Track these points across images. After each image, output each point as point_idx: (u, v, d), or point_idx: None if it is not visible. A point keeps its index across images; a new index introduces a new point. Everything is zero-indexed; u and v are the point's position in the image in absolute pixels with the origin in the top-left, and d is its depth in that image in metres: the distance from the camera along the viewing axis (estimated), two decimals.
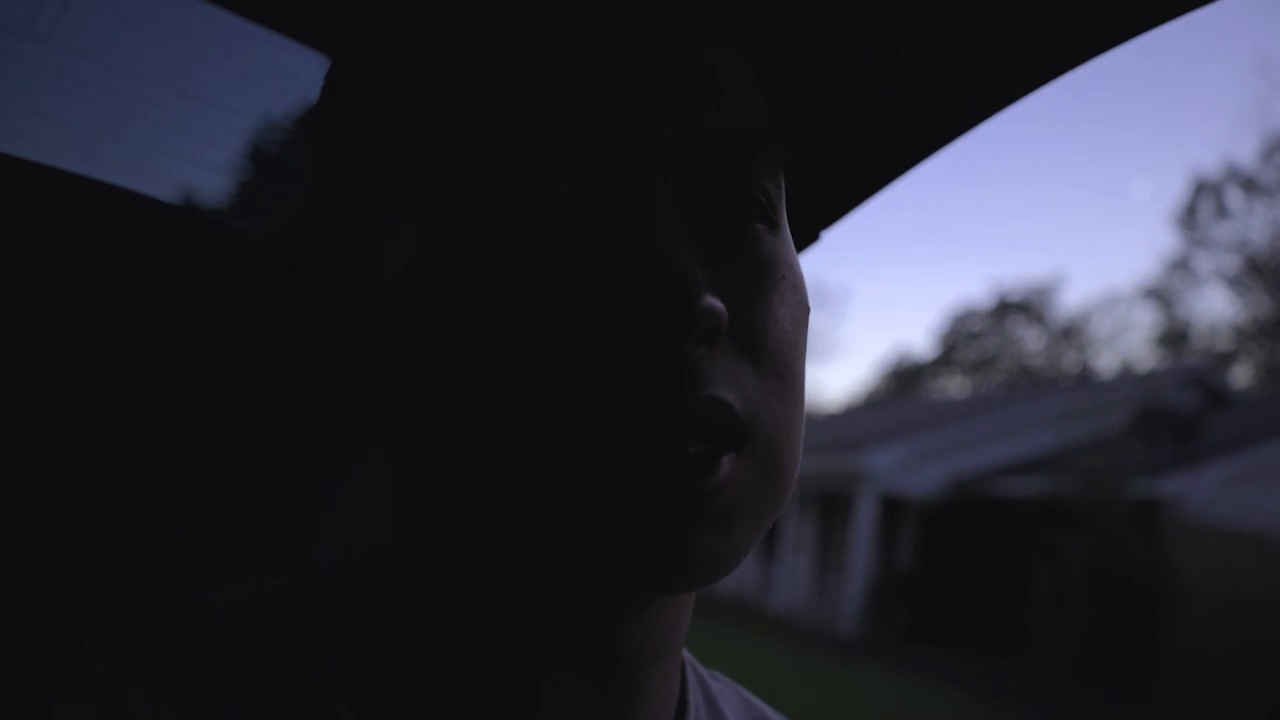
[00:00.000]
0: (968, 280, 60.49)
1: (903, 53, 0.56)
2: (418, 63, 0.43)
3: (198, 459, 0.53)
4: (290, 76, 0.58)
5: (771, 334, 0.41)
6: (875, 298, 61.70)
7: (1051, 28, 0.56)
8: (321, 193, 0.46)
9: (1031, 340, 38.65)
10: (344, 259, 0.44)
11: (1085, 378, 28.09)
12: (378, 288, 0.42)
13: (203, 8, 0.56)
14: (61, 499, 0.51)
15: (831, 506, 17.19)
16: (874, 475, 15.33)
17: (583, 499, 0.37)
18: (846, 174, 0.69)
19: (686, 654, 0.51)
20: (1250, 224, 29.59)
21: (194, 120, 0.62)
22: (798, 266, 0.45)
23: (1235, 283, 30.38)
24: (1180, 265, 31.81)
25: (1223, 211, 30.00)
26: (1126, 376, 21.85)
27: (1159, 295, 32.88)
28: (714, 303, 0.37)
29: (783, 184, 0.45)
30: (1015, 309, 38.56)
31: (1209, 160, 53.56)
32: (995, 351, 39.26)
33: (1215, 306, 48.45)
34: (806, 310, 0.45)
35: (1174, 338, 32.69)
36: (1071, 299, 54.67)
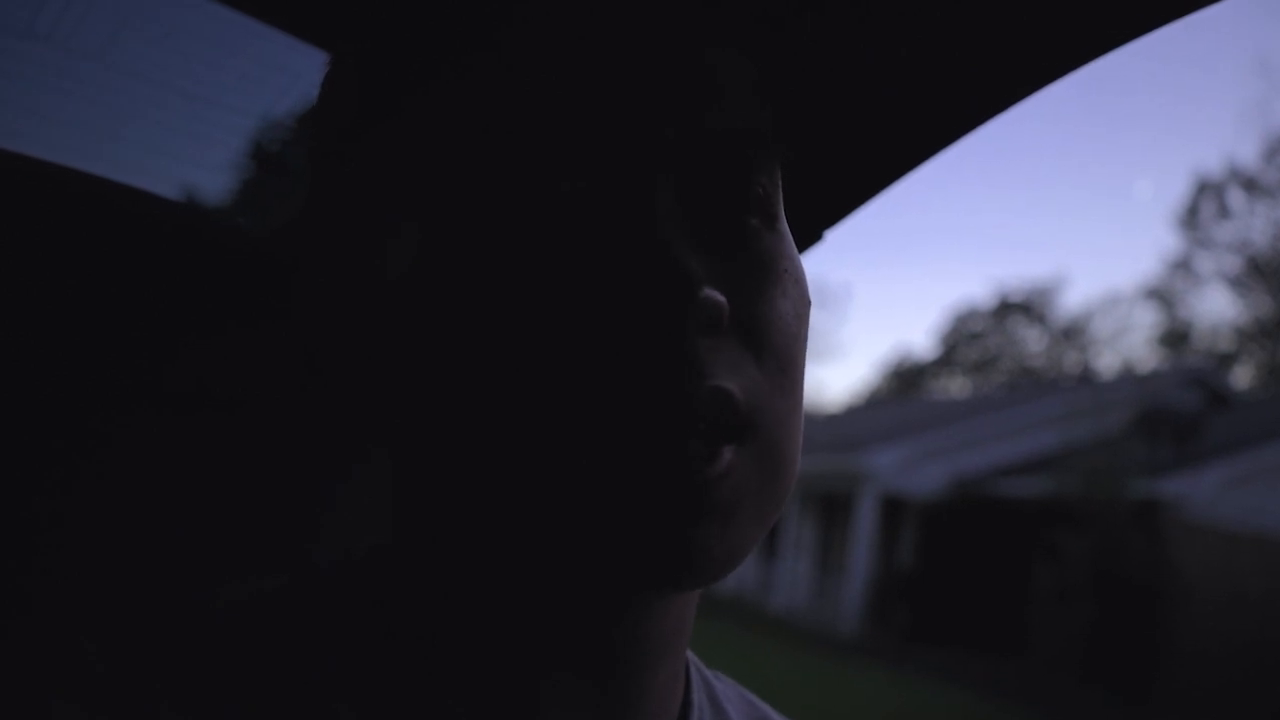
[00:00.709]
0: (969, 280, 60.50)
1: (904, 53, 0.56)
2: (419, 62, 0.43)
3: (199, 459, 0.53)
4: (292, 75, 0.58)
5: (773, 327, 0.41)
6: (876, 297, 61.72)
7: (1052, 29, 0.56)
8: (324, 192, 0.46)
9: (1033, 340, 38.68)
10: (346, 258, 0.44)
11: (1086, 378, 28.08)
12: (380, 287, 0.42)
13: (203, 6, 0.55)
14: (62, 499, 0.51)
15: (832, 506, 17.19)
16: (875, 475, 15.33)
17: (585, 496, 0.37)
18: (850, 173, 0.69)
19: (691, 655, 0.51)
20: (1252, 224, 29.59)
21: (195, 120, 0.62)
22: (798, 261, 0.45)
23: (1237, 283, 30.37)
24: (1182, 265, 31.81)
25: (1224, 212, 29.98)
26: (1128, 377, 21.84)
27: (1160, 296, 32.88)
28: (714, 295, 0.37)
29: (780, 180, 0.45)
30: (1017, 309, 38.56)
31: (1211, 160, 53.62)
32: (996, 352, 39.26)
33: (1217, 307, 48.47)
34: (808, 304, 0.45)
35: (1175, 338, 32.68)
36: (1073, 299, 54.73)
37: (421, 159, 0.42)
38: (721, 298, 0.38)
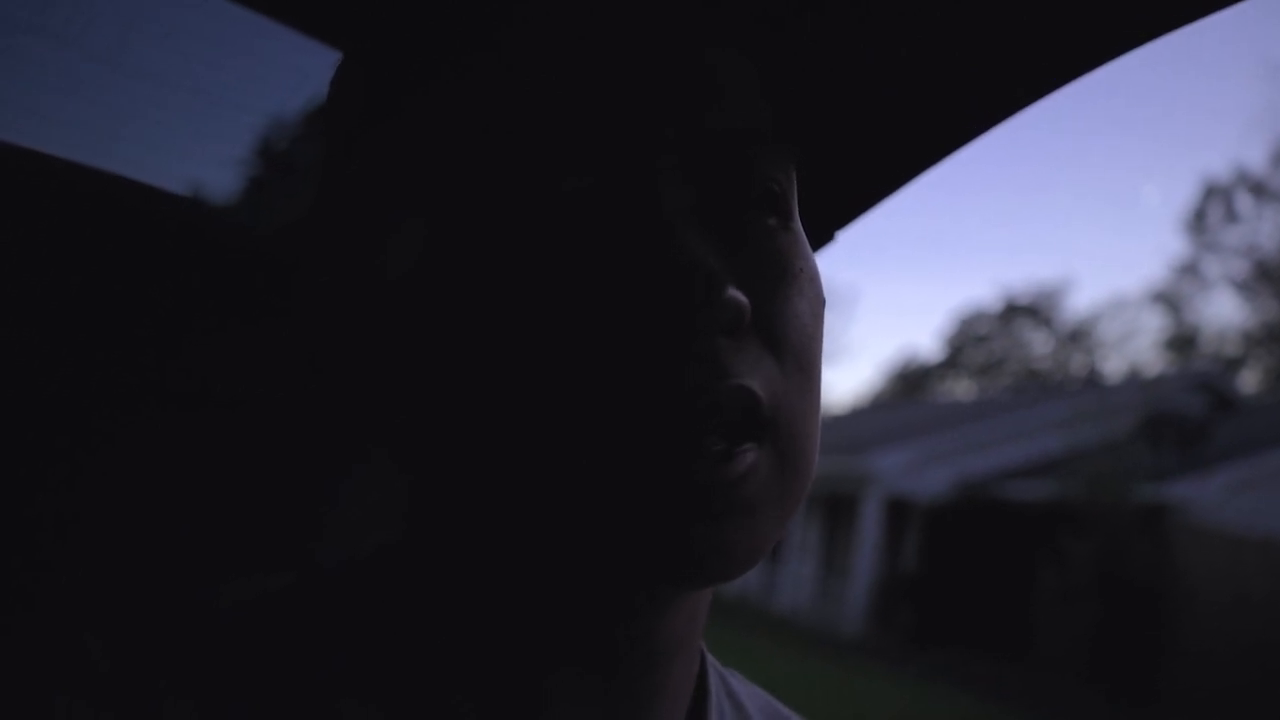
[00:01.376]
0: (975, 283, 60.47)
1: (904, 53, 0.56)
2: (420, 62, 0.43)
3: (203, 457, 0.53)
4: (300, 74, 0.58)
5: (791, 327, 0.41)
6: (883, 300, 61.65)
7: (1053, 31, 0.55)
8: (327, 191, 0.46)
9: (1039, 344, 38.62)
10: (350, 257, 0.44)
11: (1093, 382, 28.03)
12: (384, 286, 0.42)
13: (207, 3, 0.56)
14: (66, 496, 0.51)
15: (837, 508, 17.18)
16: (880, 477, 15.31)
17: (607, 496, 0.37)
18: (860, 175, 0.69)
19: (706, 652, 0.51)
20: (1259, 229, 29.53)
21: (199, 117, 0.62)
22: (813, 259, 0.45)
23: (1244, 287, 30.31)
24: (1189, 269, 31.75)
25: (1232, 216, 29.93)
26: (1134, 381, 21.81)
27: (1167, 299, 32.83)
28: (738, 295, 0.37)
29: (794, 179, 0.45)
30: (1023, 312, 38.50)
31: (1219, 164, 53.47)
32: (1002, 355, 39.21)
33: (1224, 311, 48.26)
34: (823, 303, 0.45)
35: (1182, 342, 32.61)
36: (1079, 302, 54.72)
37: (425, 157, 0.42)
38: (744, 298, 0.38)
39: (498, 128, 0.40)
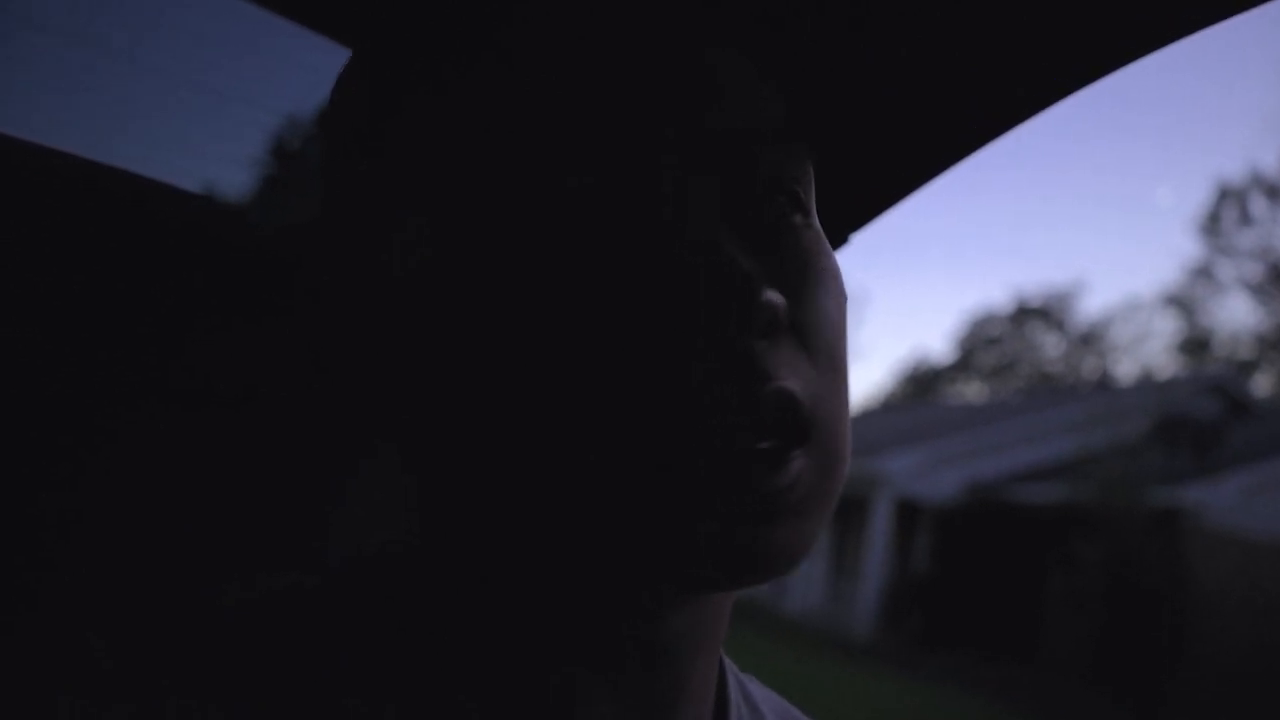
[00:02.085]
0: (987, 285, 60.33)
1: (904, 53, 0.56)
2: (423, 60, 0.43)
3: (206, 456, 0.53)
4: (308, 71, 0.58)
5: (821, 325, 0.42)
6: (894, 302, 61.59)
7: (1058, 34, 0.55)
8: (331, 189, 0.46)
9: (1051, 346, 38.49)
10: (354, 255, 0.44)
11: (1105, 385, 27.96)
12: (389, 284, 0.42)
13: (218, 1, 0.56)
14: (69, 495, 0.51)
15: (847, 510, 17.15)
16: (890, 480, 15.29)
17: (649, 499, 0.37)
18: (873, 177, 0.69)
19: (725, 657, 0.51)
20: (1274, 231, 29.38)
21: (209, 114, 0.62)
22: (833, 255, 0.45)
23: (1258, 290, 30.15)
24: (1202, 272, 31.60)
25: (1246, 218, 29.78)
26: (1146, 384, 21.71)
27: (1180, 302, 32.68)
28: (774, 296, 0.37)
29: (812, 178, 0.45)
30: (1035, 314, 38.39)
31: (1233, 167, 53.21)
32: (1014, 357, 39.09)
33: (1238, 314, 48.08)
34: (846, 298, 0.45)
35: (1195, 345, 32.46)
36: (1092, 305, 54.53)
37: (429, 155, 0.42)
38: (780, 298, 0.38)
39: (500, 126, 0.40)
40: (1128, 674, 11.07)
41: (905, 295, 62.08)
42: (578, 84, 0.40)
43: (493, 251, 0.39)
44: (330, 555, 0.51)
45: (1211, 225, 30.46)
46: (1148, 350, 37.80)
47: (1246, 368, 29.39)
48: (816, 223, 0.45)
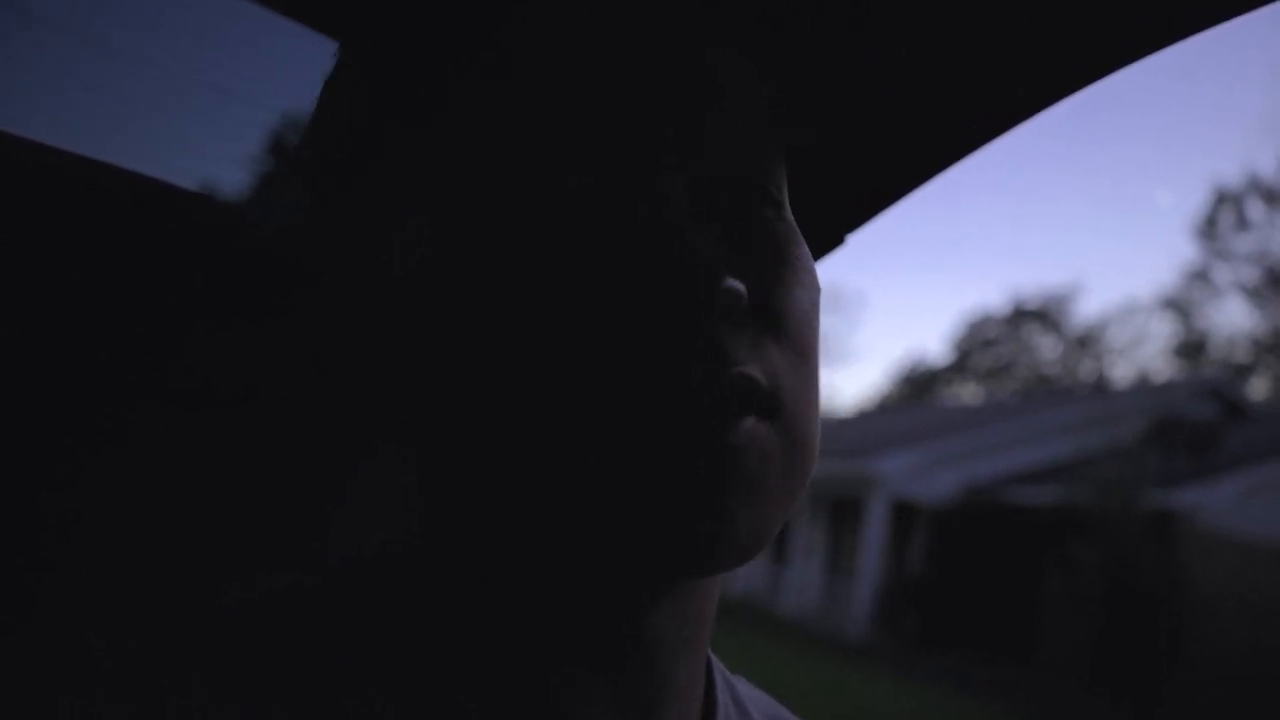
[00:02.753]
0: (984, 287, 60.36)
1: (904, 53, 0.56)
2: (422, 60, 0.44)
3: (206, 456, 0.53)
4: (310, 69, 0.58)
5: (791, 314, 0.42)
6: (890, 303, 61.62)
7: (1057, 35, 0.55)
8: (332, 190, 0.46)
9: (1047, 348, 38.52)
10: (354, 255, 0.44)
11: (1101, 387, 28.00)
12: (390, 283, 0.42)
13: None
14: (69, 495, 0.51)
15: (843, 511, 17.17)
16: (886, 480, 15.30)
17: (616, 482, 0.37)
18: (870, 177, 0.69)
19: (713, 656, 0.51)
20: (1271, 235, 29.42)
21: (205, 113, 0.62)
22: (806, 247, 0.46)
23: (1255, 294, 30.20)
24: (1199, 276, 31.65)
25: (1243, 223, 29.82)
26: (1143, 387, 21.74)
27: (1177, 306, 32.72)
28: (734, 283, 0.38)
29: (784, 171, 0.46)
30: (1031, 317, 38.42)
31: (1231, 171, 53.28)
32: (1010, 359, 39.12)
33: (1234, 318, 48.15)
34: (819, 290, 0.46)
35: (1192, 349, 32.51)
36: (1089, 308, 54.63)
37: (428, 154, 0.42)
38: (740, 285, 0.39)
39: (500, 126, 0.40)
40: (1125, 675, 11.08)
41: (902, 297, 62.13)
42: (577, 84, 0.41)
43: (490, 251, 0.39)
44: (330, 555, 0.51)
45: (1209, 229, 30.51)
46: (1144, 353, 37.87)
47: (1242, 371, 29.44)
48: (789, 215, 0.46)
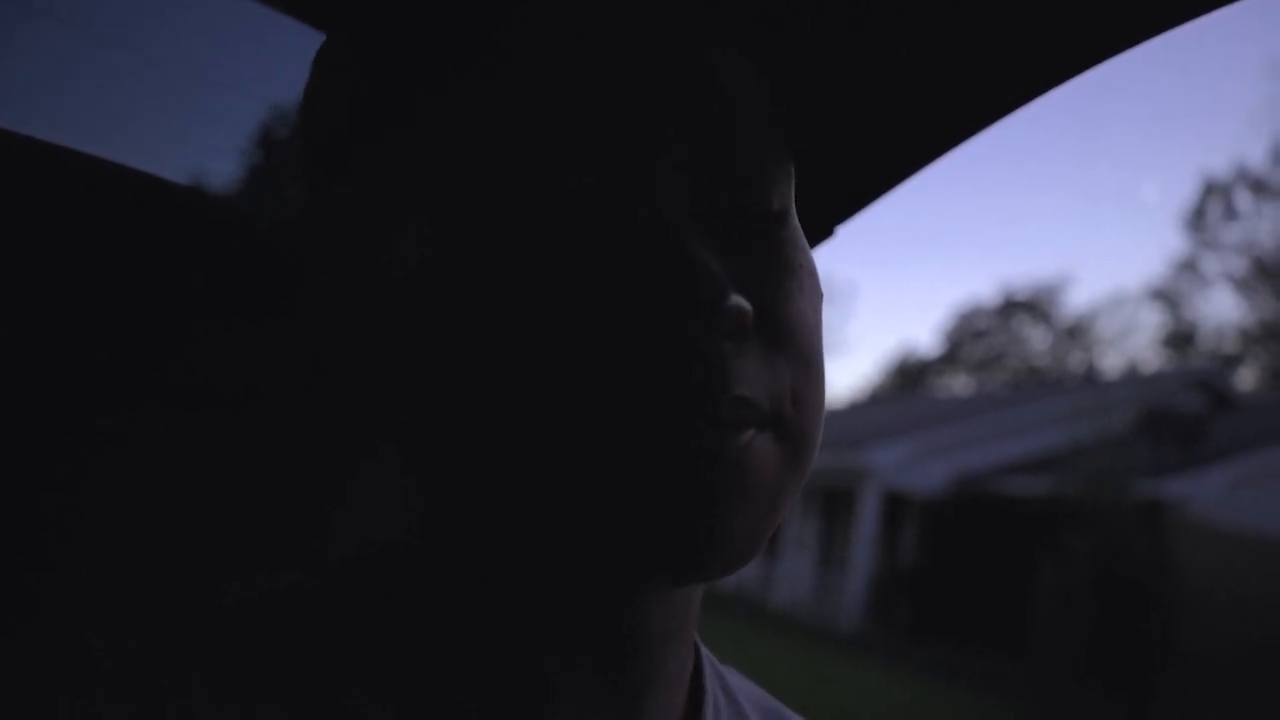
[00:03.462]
0: (975, 278, 60.47)
1: (904, 52, 0.56)
2: (421, 60, 0.43)
3: (206, 456, 0.53)
4: (305, 66, 0.58)
5: (796, 325, 0.42)
6: (881, 294, 61.70)
7: (1051, 31, 0.55)
8: (331, 189, 0.46)
9: (1037, 339, 38.64)
10: (353, 255, 0.44)
11: (1091, 378, 28.06)
12: (388, 283, 0.42)
13: None
14: (69, 495, 0.51)
15: (835, 503, 17.20)
16: (877, 472, 15.33)
17: (611, 487, 0.37)
18: (860, 170, 0.69)
19: (701, 646, 0.52)
20: (1259, 226, 29.53)
21: (205, 111, 0.62)
22: (809, 253, 0.46)
23: (1242, 285, 30.31)
24: (1188, 267, 31.76)
25: (1231, 213, 29.92)
26: (1132, 377, 21.82)
27: (1166, 297, 32.84)
28: (740, 301, 0.37)
29: (792, 175, 0.45)
30: (1022, 308, 38.52)
31: (1219, 162, 53.46)
32: (1001, 350, 39.23)
33: (1222, 309, 48.32)
34: (822, 296, 0.45)
35: (1180, 339, 32.63)
36: (1078, 299, 54.74)
37: (428, 154, 0.42)
38: (746, 304, 0.38)
39: (501, 126, 0.40)
40: (1115, 665, 11.14)
41: (893, 288, 62.22)
42: (577, 83, 0.40)
43: (490, 251, 0.39)
44: (330, 555, 0.51)
45: (1197, 220, 30.61)
46: (1133, 344, 37.95)
47: (1231, 361, 29.55)
48: (794, 220, 0.45)
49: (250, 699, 0.39)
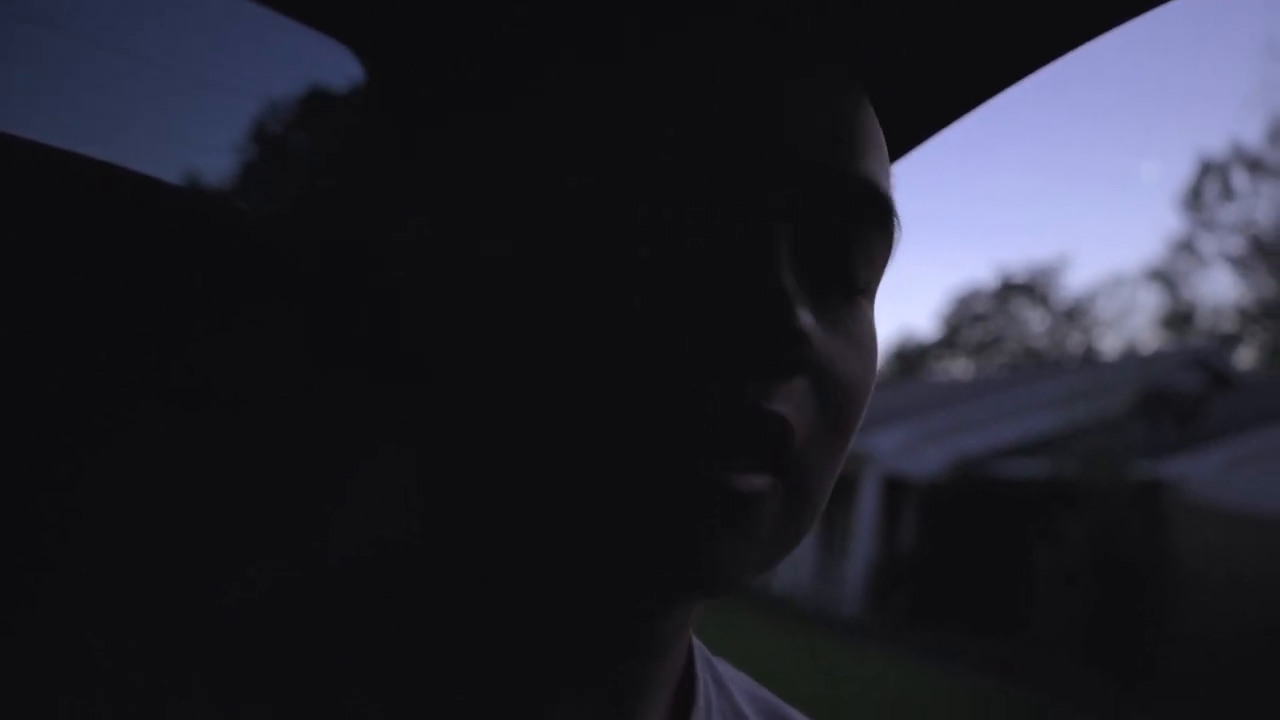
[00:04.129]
0: (972, 261, 60.50)
1: (904, 53, 0.56)
2: (451, 82, 0.43)
3: (206, 455, 0.53)
4: (301, 62, 0.57)
5: (845, 387, 0.41)
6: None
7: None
8: (333, 189, 0.46)
9: (1036, 322, 38.65)
10: (356, 255, 0.44)
11: (1089, 359, 28.11)
12: (390, 284, 0.42)
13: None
14: (69, 495, 0.51)
15: (835, 489, 17.17)
16: (877, 457, 15.36)
17: (614, 501, 0.37)
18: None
19: (695, 639, 0.52)
20: (1256, 205, 29.53)
21: (207, 112, 0.62)
22: (876, 336, 0.45)
23: (1240, 264, 30.33)
24: (1185, 247, 31.76)
25: (1228, 193, 29.91)
26: (1130, 358, 21.82)
27: (1163, 277, 32.85)
28: (810, 326, 0.37)
29: (888, 256, 0.45)
30: (1019, 290, 38.51)
31: (1215, 142, 53.40)
32: (999, 333, 39.24)
33: (1220, 288, 48.39)
34: (875, 376, 0.45)
35: (1178, 320, 32.66)
36: (1076, 280, 54.69)
37: (449, 165, 0.42)
38: (816, 332, 0.38)
39: (534, 153, 0.40)
40: (1114, 647, 11.18)
41: (890, 274, 62.10)
42: (694, 111, 0.39)
43: (501, 255, 0.39)
44: (330, 555, 0.52)
45: (1194, 200, 30.60)
46: (1131, 325, 38.10)
47: (1229, 341, 29.58)
48: (873, 303, 0.45)
49: (250, 699, 0.39)
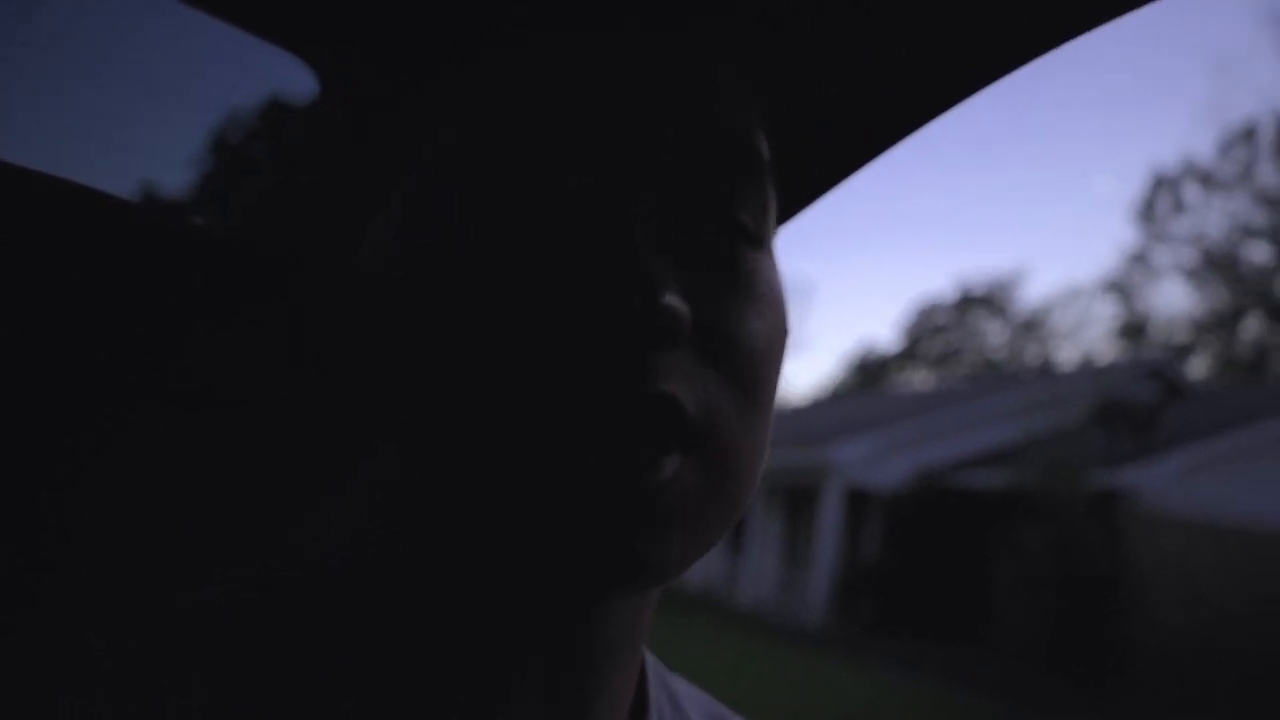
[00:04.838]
0: (932, 273, 60.89)
1: (904, 53, 0.55)
2: (410, 66, 0.44)
3: (205, 456, 0.53)
4: (301, 69, 0.58)
5: (741, 346, 0.41)
6: (840, 291, 61.94)
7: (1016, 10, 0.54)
8: (320, 189, 0.47)
9: (994, 334, 38.98)
10: (335, 254, 0.45)
11: (1046, 370, 28.33)
12: (361, 283, 0.42)
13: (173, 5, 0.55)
14: (68, 495, 0.51)
15: (798, 500, 17.22)
16: (840, 468, 15.37)
17: (532, 500, 0.37)
18: (816, 164, 0.66)
19: (649, 655, 0.52)
20: (1207, 218, 30.02)
21: (203, 116, 0.62)
22: (779, 288, 0.45)
23: (1193, 276, 30.80)
24: (1139, 259, 32.20)
25: (1180, 206, 30.38)
26: (1086, 369, 22.03)
27: (1118, 288, 33.27)
28: (675, 302, 0.37)
29: (774, 206, 0.45)
30: (978, 302, 38.84)
31: (1168, 155, 54.26)
32: (959, 345, 39.53)
33: (1173, 300, 49.09)
34: (784, 332, 0.44)
35: (1133, 330, 33.07)
36: (1033, 292, 55.26)
37: (407, 154, 0.43)
38: (683, 306, 0.37)
39: (492, 130, 0.40)
40: (1075, 654, 11.26)
41: (851, 286, 62.50)
42: (576, 89, 0.40)
43: (453, 256, 0.39)
44: (330, 555, 0.52)
45: (1147, 212, 31.05)
46: (1087, 336, 38.44)
47: (1182, 351, 30.00)
48: (769, 252, 0.44)
49: (250, 699, 0.39)
